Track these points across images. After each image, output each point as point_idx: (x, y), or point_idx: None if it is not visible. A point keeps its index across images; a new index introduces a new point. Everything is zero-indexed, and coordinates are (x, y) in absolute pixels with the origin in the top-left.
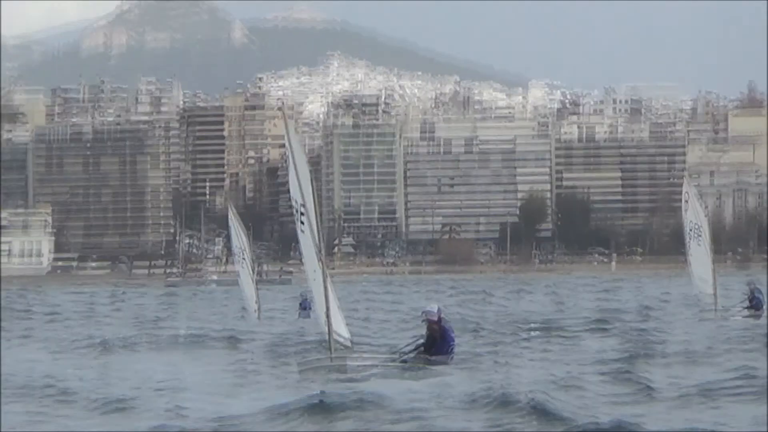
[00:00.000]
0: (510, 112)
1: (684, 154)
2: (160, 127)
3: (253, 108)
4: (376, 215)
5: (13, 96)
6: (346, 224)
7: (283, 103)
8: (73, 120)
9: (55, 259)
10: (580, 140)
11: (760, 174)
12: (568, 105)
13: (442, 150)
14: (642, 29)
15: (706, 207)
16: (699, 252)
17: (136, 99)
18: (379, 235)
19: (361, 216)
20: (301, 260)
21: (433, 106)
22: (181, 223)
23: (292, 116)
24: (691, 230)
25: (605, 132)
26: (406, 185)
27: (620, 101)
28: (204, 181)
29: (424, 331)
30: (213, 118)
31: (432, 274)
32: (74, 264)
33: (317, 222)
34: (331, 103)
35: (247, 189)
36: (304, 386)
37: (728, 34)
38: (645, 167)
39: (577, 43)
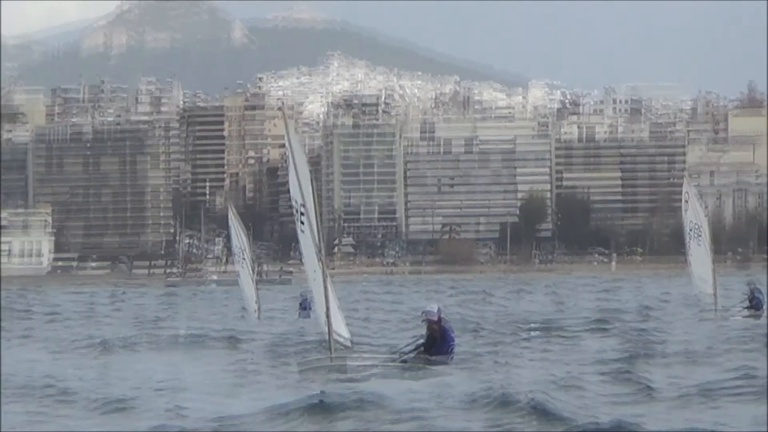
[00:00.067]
0: (510, 112)
1: (684, 154)
2: (160, 127)
3: (253, 108)
4: (376, 215)
5: (13, 96)
6: (346, 224)
7: (283, 103)
8: (73, 120)
9: (55, 259)
10: (580, 140)
11: (760, 174)
12: (568, 105)
13: (442, 150)
14: (642, 29)
15: (706, 207)
16: (699, 252)
17: (136, 99)
18: (379, 235)
19: (361, 216)
20: (301, 260)
21: (433, 106)
22: (181, 223)
23: (292, 116)
24: (691, 230)
25: (605, 132)
26: (406, 185)
27: (620, 101)
28: (204, 181)
29: (424, 331)
30: (213, 118)
31: (432, 274)
32: (74, 264)
33: (317, 222)
34: (331, 103)
35: (247, 189)
36: (304, 386)
37: (728, 34)
38: (645, 167)
39: (577, 43)
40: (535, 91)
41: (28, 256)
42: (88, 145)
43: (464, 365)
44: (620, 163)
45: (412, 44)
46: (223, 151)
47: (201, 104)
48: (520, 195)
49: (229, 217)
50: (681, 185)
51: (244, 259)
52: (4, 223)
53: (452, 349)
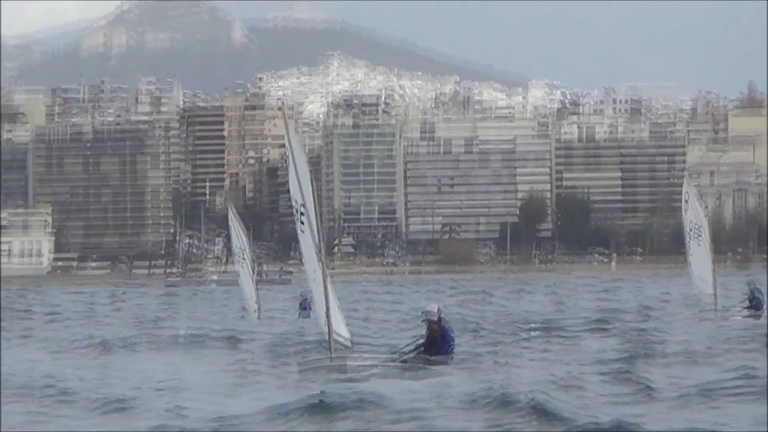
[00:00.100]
0: (510, 112)
1: (684, 154)
2: (160, 127)
3: (253, 108)
4: (376, 215)
5: (13, 96)
6: (346, 224)
7: (283, 103)
8: (73, 120)
9: (55, 259)
10: (580, 140)
11: (760, 174)
12: (568, 105)
13: (442, 150)
14: (642, 29)
15: (706, 207)
16: (699, 252)
17: (136, 99)
18: (379, 235)
19: (361, 216)
20: (301, 260)
21: (433, 106)
22: (181, 223)
23: (292, 116)
24: (691, 230)
25: (605, 132)
26: (406, 185)
27: (620, 101)
28: (204, 181)
29: (424, 331)
30: (213, 118)
31: (432, 274)
32: (74, 264)
33: (317, 222)
34: (331, 103)
35: (247, 189)
36: (304, 386)
37: (728, 34)
38: (645, 167)
39: (577, 43)
40: (535, 91)
41: (28, 256)
42: (88, 145)
43: (464, 365)
44: (620, 163)
45: (412, 44)
46: (223, 151)
47: (201, 104)
48: (520, 195)
49: (229, 217)
50: (681, 185)
51: (244, 259)
52: (4, 223)
53: (452, 349)
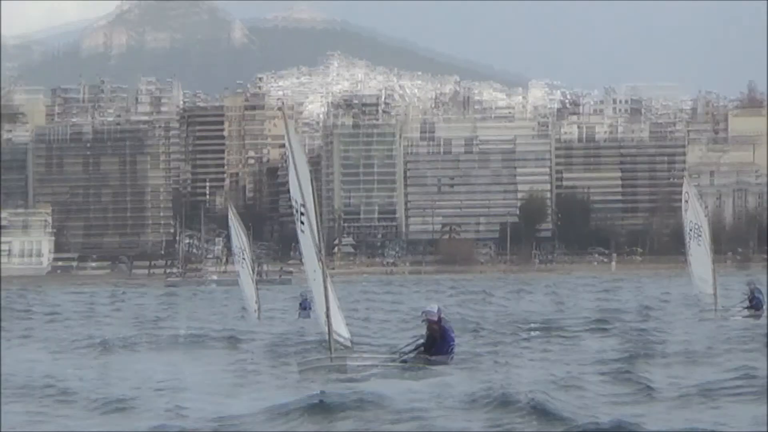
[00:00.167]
0: (510, 112)
1: (684, 154)
2: (160, 127)
3: (253, 108)
4: (376, 215)
5: (13, 96)
6: (346, 224)
7: (283, 103)
8: (73, 120)
9: (55, 259)
10: (580, 140)
11: (760, 174)
12: (568, 105)
13: (442, 150)
14: (642, 29)
15: (706, 207)
16: (699, 252)
17: (136, 99)
18: (379, 235)
19: (361, 216)
20: (301, 260)
21: (433, 106)
22: (181, 223)
23: (292, 116)
24: (691, 230)
25: (605, 132)
26: (406, 185)
27: (620, 101)
28: (204, 181)
29: (424, 331)
30: (213, 118)
31: (432, 274)
32: (74, 264)
33: (317, 222)
34: (331, 103)
35: (247, 189)
36: (304, 386)
37: (728, 34)
38: (645, 167)
39: (577, 43)
40: (535, 91)
41: (28, 256)
42: (88, 145)
43: (464, 365)
44: (620, 163)
45: (412, 44)
46: (223, 151)
47: (201, 104)
48: (520, 195)
49: (229, 217)
50: (681, 185)
51: (244, 259)
52: (4, 223)
53: (452, 349)
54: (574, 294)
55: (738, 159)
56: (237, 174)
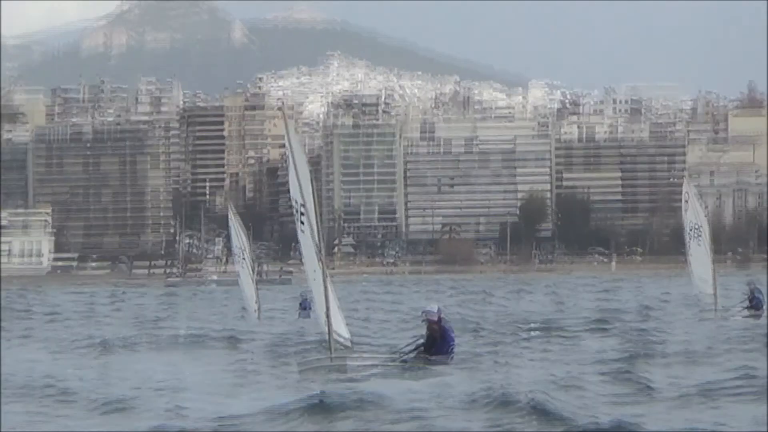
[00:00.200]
0: (510, 112)
1: (684, 154)
2: (160, 127)
3: (253, 108)
4: (376, 215)
5: (13, 96)
6: (346, 224)
7: (283, 103)
8: (73, 120)
9: (55, 259)
10: (580, 140)
11: (760, 174)
12: (568, 105)
13: (442, 150)
14: (642, 29)
15: (707, 207)
16: (699, 252)
17: (136, 99)
18: (379, 235)
19: (361, 216)
20: (301, 260)
21: (433, 106)
22: (182, 223)
23: (292, 116)
24: (691, 230)
25: (605, 132)
26: (406, 185)
27: (620, 101)
28: (204, 181)
29: (424, 331)
30: (213, 118)
31: (432, 274)
32: (74, 264)
33: (317, 222)
34: (331, 103)
35: (247, 189)
36: (304, 386)
37: (728, 34)
38: (645, 167)
39: (577, 43)
40: (535, 91)
41: (28, 256)
42: (88, 145)
43: (464, 365)
44: (620, 163)
45: (412, 44)
46: (223, 151)
47: (201, 104)
48: (520, 195)
49: (229, 217)
50: (681, 185)
51: (244, 259)
52: (4, 223)
53: (452, 349)
54: (574, 294)
55: (738, 159)
56: (237, 174)
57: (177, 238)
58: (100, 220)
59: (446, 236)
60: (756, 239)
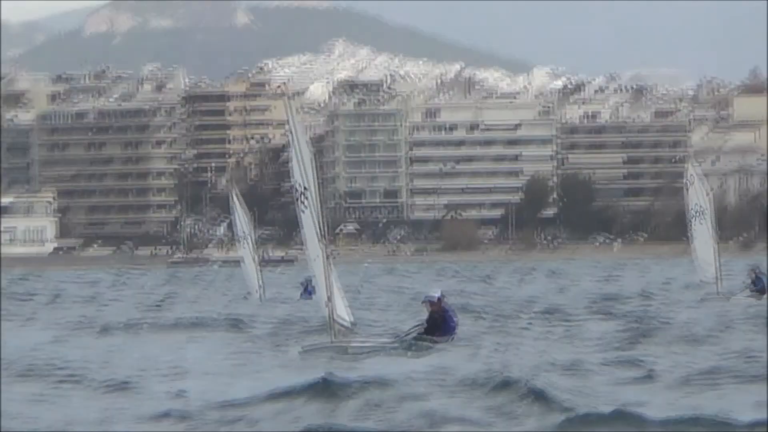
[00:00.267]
0: (514, 97)
1: (687, 137)
2: (163, 110)
3: (257, 92)
4: (379, 198)
5: (16, 79)
6: (349, 207)
7: (285, 86)
8: (76, 103)
9: (59, 246)
10: (583, 123)
11: (761, 160)
12: (570, 87)
13: (445, 133)
14: (644, 21)
15: (712, 189)
16: (701, 231)
17: (140, 85)
18: (383, 219)
19: (365, 199)
20: (304, 244)
21: (436, 89)
22: (186, 207)
23: (295, 98)
24: (696, 213)
25: (608, 115)
26: (409, 168)
27: (624, 88)
28: (208, 165)
29: (425, 316)
30: (216, 101)
31: (435, 255)
32: (77, 246)
33: (319, 205)
34: (335, 85)
35: (251, 173)
36: (307, 369)
37: (731, 23)
38: (649, 150)
39: (580, 31)
40: (538, 76)
41: (31, 239)
42: (92, 128)
43: (466, 349)
44: (623, 146)
45: (416, 28)
46: (226, 135)
47: (204, 89)
48: (523, 178)
49: (233, 200)
50: (684, 168)
51: (247, 242)
52: (8, 206)
53: (454, 330)
54: (577, 277)
55: (742, 142)
56: (240, 158)
57: (180, 222)
58: (104, 203)
59: (449, 217)
60: (758, 223)
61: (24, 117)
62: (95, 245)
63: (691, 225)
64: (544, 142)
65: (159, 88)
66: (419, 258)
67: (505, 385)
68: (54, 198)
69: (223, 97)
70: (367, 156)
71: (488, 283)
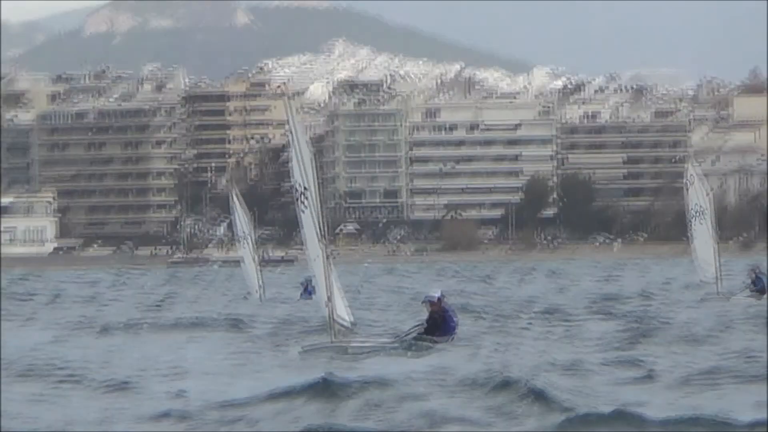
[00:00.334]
0: (514, 97)
1: (687, 137)
2: (164, 109)
3: (257, 92)
4: (379, 198)
5: (16, 79)
6: (349, 207)
7: (285, 86)
8: (76, 103)
9: (59, 246)
10: (582, 123)
11: (761, 160)
12: (570, 87)
13: (445, 133)
14: (644, 21)
15: (712, 189)
16: (702, 231)
17: (140, 85)
18: (383, 219)
19: (365, 199)
20: (304, 244)
21: (437, 88)
22: (185, 208)
23: (295, 98)
24: (696, 213)
25: (609, 115)
26: (409, 168)
27: (624, 87)
28: (208, 165)
29: (425, 316)
30: (216, 101)
31: (435, 255)
32: (77, 246)
33: (319, 205)
34: (335, 85)
35: (251, 173)
36: (306, 369)
37: (731, 23)
38: (648, 150)
39: (580, 32)
40: (538, 76)
41: (31, 239)
42: (92, 128)
43: (466, 349)
44: (623, 146)
45: (416, 28)
46: (226, 135)
47: (204, 89)
48: (523, 178)
49: (233, 201)
50: (684, 168)
51: (247, 242)
52: (8, 206)
53: (454, 329)
54: (577, 277)
55: (741, 142)
56: (240, 158)
57: (180, 221)
58: (104, 203)
59: (449, 217)
60: (757, 223)
61: (24, 117)
62: (95, 245)
63: (691, 225)
64: (544, 142)
65: (159, 88)
66: (419, 258)
67: (505, 385)
68: (54, 198)
69: (223, 97)
70: (367, 156)
71: (488, 283)
